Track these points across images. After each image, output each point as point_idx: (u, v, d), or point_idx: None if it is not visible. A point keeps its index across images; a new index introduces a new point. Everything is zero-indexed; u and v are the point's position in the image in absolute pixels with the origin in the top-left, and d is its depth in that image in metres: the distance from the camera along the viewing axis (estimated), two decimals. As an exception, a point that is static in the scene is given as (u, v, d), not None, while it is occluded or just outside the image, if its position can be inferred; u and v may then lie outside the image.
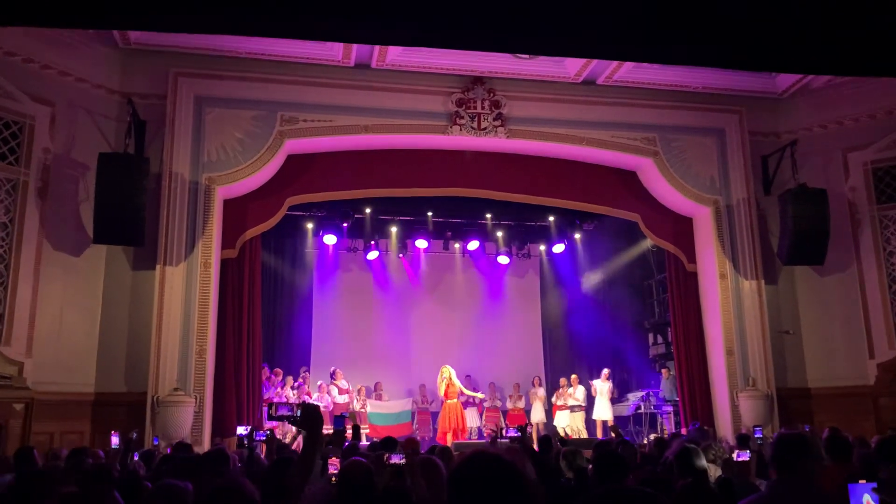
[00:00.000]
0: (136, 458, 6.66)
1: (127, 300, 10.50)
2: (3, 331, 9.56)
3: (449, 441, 12.98)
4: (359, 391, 14.10)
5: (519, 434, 5.80)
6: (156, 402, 9.90)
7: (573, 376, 14.41)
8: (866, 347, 11.98)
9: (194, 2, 2.61)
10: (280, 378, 13.01)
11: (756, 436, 7.87)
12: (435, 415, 14.56)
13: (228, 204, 11.30)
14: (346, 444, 6.05)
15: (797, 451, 3.06)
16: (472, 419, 14.49)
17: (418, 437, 13.08)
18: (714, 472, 4.89)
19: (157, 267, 10.39)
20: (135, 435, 7.77)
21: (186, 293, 10.42)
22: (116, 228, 9.84)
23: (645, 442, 11.41)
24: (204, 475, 3.88)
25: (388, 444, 6.11)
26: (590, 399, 14.06)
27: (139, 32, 10.68)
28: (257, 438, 6.91)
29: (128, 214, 9.75)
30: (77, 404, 9.98)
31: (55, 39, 10.31)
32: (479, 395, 14.65)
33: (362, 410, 13.90)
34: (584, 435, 13.40)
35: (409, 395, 14.83)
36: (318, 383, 13.86)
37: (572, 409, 14.01)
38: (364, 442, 11.07)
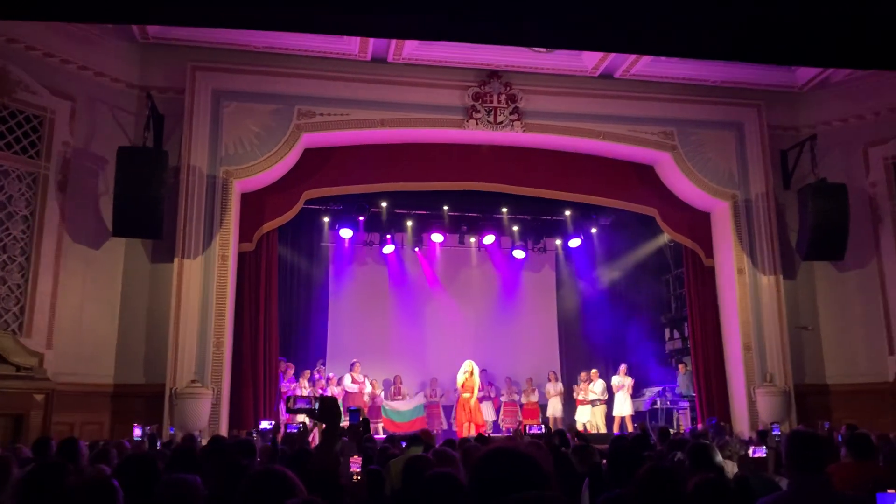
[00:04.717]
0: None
1: (145, 293, 10.60)
2: (25, 323, 9.70)
3: (473, 433, 13.06)
4: (372, 384, 14.16)
5: (543, 431, 5.77)
6: (174, 394, 9.99)
7: (593, 371, 14.37)
8: (886, 344, 11.86)
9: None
10: (292, 372, 13.06)
11: (774, 433, 7.82)
12: (445, 408, 14.62)
13: (246, 197, 11.36)
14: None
15: (812, 449, 3.03)
16: (487, 413, 14.51)
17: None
18: (730, 468, 4.86)
19: (175, 260, 10.47)
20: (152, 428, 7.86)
21: (204, 286, 10.49)
22: (135, 221, 9.93)
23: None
24: (232, 465, 3.90)
25: (414, 441, 6.11)
26: (610, 394, 14.02)
27: (158, 27, 10.75)
28: (289, 430, 6.99)
29: (146, 208, 9.83)
30: (97, 395, 10.10)
31: (75, 34, 10.40)
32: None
33: (377, 404, 13.96)
34: (603, 430, 13.37)
35: (423, 389, 14.86)
36: (330, 374, 13.94)
37: (592, 403, 13.99)
38: (381, 436, 11.10)
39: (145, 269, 10.68)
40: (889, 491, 2.59)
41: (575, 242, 16.03)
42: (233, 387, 10.77)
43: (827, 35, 3.51)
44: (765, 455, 4.60)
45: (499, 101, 11.86)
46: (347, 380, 13.68)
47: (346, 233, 14.84)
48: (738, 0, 3.12)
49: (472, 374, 14.14)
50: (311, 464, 3.28)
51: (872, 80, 12.07)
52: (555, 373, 15.12)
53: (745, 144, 12.49)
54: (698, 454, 4.07)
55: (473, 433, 12.98)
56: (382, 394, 14.25)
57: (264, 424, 8.03)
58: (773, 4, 3.15)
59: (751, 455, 4.64)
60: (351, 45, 11.38)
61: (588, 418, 13.87)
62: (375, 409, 13.94)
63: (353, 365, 14.01)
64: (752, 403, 11.56)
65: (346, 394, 13.43)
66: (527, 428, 5.96)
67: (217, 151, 10.95)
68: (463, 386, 14.06)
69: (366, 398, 13.80)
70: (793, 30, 3.45)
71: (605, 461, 4.89)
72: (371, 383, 14.15)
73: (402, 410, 14.10)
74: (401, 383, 14.63)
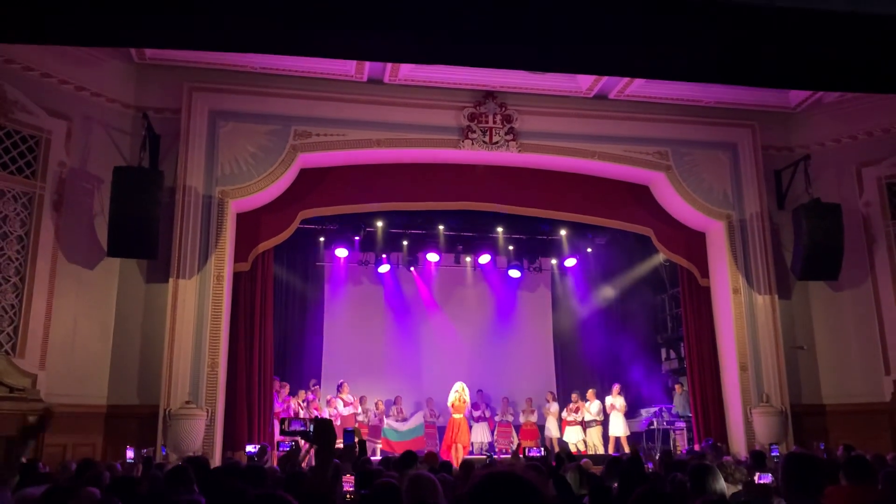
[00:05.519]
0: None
1: (140, 313, 10.54)
2: (18, 343, 9.63)
3: (461, 454, 13.06)
4: (376, 405, 14.10)
5: (542, 454, 5.73)
6: (167, 416, 9.91)
7: (589, 391, 14.32)
8: (881, 363, 11.85)
9: (213, 21, 2.64)
10: (287, 391, 12.99)
11: (773, 454, 7.77)
12: (441, 429, 14.58)
13: (241, 217, 11.35)
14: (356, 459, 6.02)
15: (810, 472, 2.99)
16: (482, 434, 14.45)
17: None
18: (727, 489, 4.82)
19: (170, 280, 10.44)
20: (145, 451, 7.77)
21: (199, 306, 10.45)
22: (130, 241, 9.90)
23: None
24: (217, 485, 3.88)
25: (408, 458, 6.07)
26: (605, 414, 13.97)
27: (155, 48, 10.78)
28: (282, 449, 6.96)
29: (142, 228, 9.81)
30: (90, 417, 10.01)
31: (72, 55, 10.41)
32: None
33: (378, 424, 13.89)
34: (600, 450, 13.30)
35: (418, 409, 14.81)
36: (328, 397, 13.86)
37: (588, 424, 13.94)
38: (377, 457, 11.03)
39: (140, 290, 10.63)
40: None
41: (571, 262, 16.07)
42: (227, 408, 10.70)
43: (813, 59, 3.55)
44: (770, 481, 4.54)
45: (494, 122, 11.92)
46: (339, 404, 13.59)
47: (341, 252, 14.85)
48: (727, 24, 3.16)
49: (461, 394, 14.19)
50: (305, 486, 3.26)
51: (864, 101, 12.16)
52: (552, 393, 15.08)
53: (739, 164, 12.55)
54: (700, 476, 4.03)
55: (461, 454, 13.02)
56: (381, 415, 14.16)
57: (249, 448, 8.01)
58: (760, 30, 3.18)
59: (756, 481, 4.57)
60: (347, 67, 11.44)
61: (578, 439, 13.83)
62: (376, 429, 13.86)
63: (340, 386, 13.92)
64: (749, 424, 11.51)
65: (341, 416, 13.33)
66: (525, 450, 5.91)
67: (213, 171, 10.96)
68: (453, 406, 14.15)
69: (362, 418, 13.72)
70: (780, 54, 3.48)
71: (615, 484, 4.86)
72: (376, 404, 14.11)
73: (401, 430, 14.05)
74: (401, 404, 14.61)
